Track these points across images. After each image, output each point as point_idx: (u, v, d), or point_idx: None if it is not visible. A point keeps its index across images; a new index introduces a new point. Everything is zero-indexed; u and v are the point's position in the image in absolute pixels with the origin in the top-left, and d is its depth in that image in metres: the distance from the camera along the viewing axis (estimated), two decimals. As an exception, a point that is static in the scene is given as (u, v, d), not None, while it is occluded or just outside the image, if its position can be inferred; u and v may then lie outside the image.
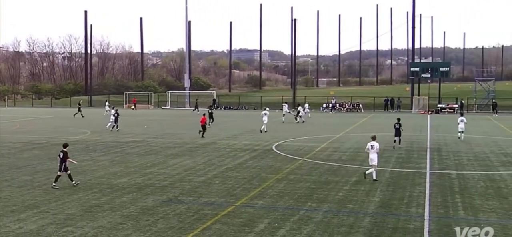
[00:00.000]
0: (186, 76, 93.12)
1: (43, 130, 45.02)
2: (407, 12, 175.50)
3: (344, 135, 41.00)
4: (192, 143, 35.35)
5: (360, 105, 78.67)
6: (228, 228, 15.28)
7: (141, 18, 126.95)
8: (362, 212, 17.11)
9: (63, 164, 20.75)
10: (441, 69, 77.99)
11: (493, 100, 73.96)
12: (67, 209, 17.43)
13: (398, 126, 34.27)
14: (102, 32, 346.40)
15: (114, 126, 44.27)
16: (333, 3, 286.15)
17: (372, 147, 22.82)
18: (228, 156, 29.62)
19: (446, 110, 73.33)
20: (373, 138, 23.18)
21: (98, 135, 40.48)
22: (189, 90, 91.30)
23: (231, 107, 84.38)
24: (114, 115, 44.85)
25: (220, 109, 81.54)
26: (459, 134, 38.33)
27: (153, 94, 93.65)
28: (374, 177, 22.30)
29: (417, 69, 78.12)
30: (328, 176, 23.31)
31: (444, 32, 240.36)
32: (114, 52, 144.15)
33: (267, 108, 48.25)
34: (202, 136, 38.86)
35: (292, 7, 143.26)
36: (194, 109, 70.34)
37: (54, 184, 20.73)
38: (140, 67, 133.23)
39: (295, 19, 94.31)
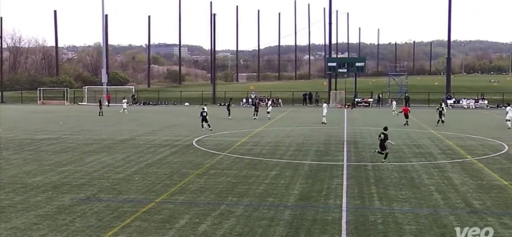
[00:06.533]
0: (103, 71, 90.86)
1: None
2: (324, 8, 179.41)
3: (264, 130, 41.40)
4: (110, 140, 34.61)
5: (280, 99, 79.69)
6: (148, 225, 15.09)
7: (55, 11, 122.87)
8: (282, 205, 17.36)
9: (384, 143, 25.03)
10: (357, 64, 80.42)
11: (406, 94, 76.96)
12: (-23, 210, 16.63)
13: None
14: (14, 25, 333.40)
15: (204, 126, 40.24)
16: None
17: None
18: (147, 152, 29.21)
19: (362, 104, 75.58)
20: None
21: (10, 133, 38.81)
22: (107, 85, 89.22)
23: (151, 103, 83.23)
24: (202, 113, 40.55)
25: (139, 104, 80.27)
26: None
27: (69, 89, 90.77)
28: None
29: (334, 64, 79.99)
30: (248, 170, 23.47)
31: (360, 28, 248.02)
32: (27, 46, 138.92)
33: (325, 103, 52.33)
34: (406, 124, 44.35)
35: (211, 2, 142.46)
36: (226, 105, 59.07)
37: (383, 160, 25.15)
38: (55, 62, 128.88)
39: (214, 14, 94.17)
